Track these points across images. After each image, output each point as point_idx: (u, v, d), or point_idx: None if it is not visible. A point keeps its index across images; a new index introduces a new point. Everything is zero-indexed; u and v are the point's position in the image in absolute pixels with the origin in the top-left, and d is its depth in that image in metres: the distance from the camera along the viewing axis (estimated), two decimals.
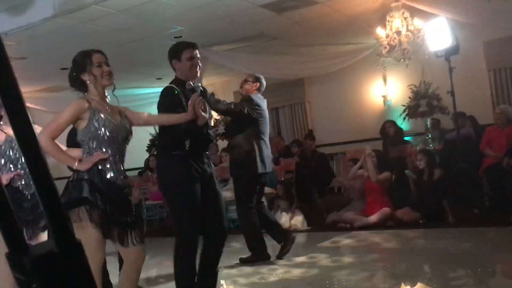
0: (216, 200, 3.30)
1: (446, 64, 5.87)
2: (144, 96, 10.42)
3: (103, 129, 2.59)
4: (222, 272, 4.32)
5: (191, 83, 3.32)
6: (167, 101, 3.31)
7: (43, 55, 7.35)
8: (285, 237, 4.79)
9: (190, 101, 2.92)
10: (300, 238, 5.78)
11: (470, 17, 6.59)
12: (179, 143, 3.18)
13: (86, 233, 2.43)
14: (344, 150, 9.00)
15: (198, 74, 3.43)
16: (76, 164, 2.55)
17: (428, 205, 5.71)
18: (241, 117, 4.58)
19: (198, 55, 3.40)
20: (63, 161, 2.59)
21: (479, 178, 6.13)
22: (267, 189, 7.25)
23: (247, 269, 4.61)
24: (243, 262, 4.77)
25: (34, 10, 5.51)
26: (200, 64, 3.42)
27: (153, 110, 10.19)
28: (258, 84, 4.98)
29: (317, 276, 4.09)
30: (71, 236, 0.59)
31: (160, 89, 9.30)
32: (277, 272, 4.40)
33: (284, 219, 6.29)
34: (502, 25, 7.09)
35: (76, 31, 6.27)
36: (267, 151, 4.80)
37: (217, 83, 10.39)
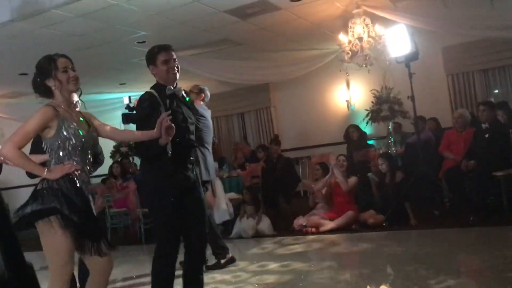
0: (197, 207, 3.20)
1: (406, 69, 6.02)
2: (107, 102, 10.24)
3: (72, 138, 2.54)
4: None
5: (171, 87, 3.16)
6: (141, 111, 3.15)
7: (1, 60, 7.12)
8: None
9: (159, 119, 2.74)
10: (267, 243, 5.80)
11: (428, 24, 6.77)
12: (158, 153, 3.00)
13: (58, 243, 2.39)
14: (309, 154, 9.10)
15: (177, 77, 3.21)
16: (45, 173, 2.48)
17: (390, 208, 5.82)
18: None
19: (174, 57, 3.22)
20: (32, 169, 2.52)
21: (439, 180, 6.29)
22: (233, 195, 7.26)
23: (217, 276, 4.58)
24: (210, 268, 4.75)
25: None
26: (178, 65, 3.23)
27: (117, 115, 10.04)
28: (203, 95, 5.17)
29: (288, 281, 4.10)
30: (23, 259, 0.55)
31: (123, 95, 9.22)
32: (248, 279, 4.38)
33: (250, 224, 6.29)
34: (458, 32, 7.33)
35: (35, 36, 6.10)
36: (211, 159, 4.99)
37: (182, 87, 10.30)
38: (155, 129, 2.73)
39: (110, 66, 8.27)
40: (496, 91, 8.67)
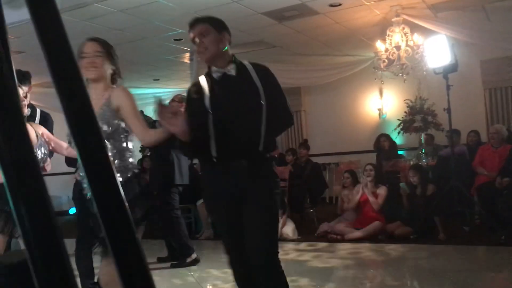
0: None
1: (442, 80, 5.90)
2: (141, 97, 10.38)
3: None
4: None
5: (214, 68, 2.53)
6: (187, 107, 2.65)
7: (40, 51, 7.30)
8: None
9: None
10: (290, 247, 5.77)
11: (469, 36, 6.65)
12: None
13: None
14: (337, 160, 9.03)
15: (209, 55, 2.51)
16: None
17: (419, 221, 5.71)
18: None
19: (201, 32, 2.55)
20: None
21: (471, 196, 6.15)
22: None
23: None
24: (161, 261, 5.14)
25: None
26: (206, 43, 2.50)
27: (149, 111, 10.19)
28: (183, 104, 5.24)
29: (306, 286, 4.08)
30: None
31: (156, 90, 9.40)
32: None
33: None
34: (499, 45, 7.16)
35: (75, 28, 6.23)
36: (185, 164, 5.23)
37: None
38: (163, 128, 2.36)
39: (146, 61, 8.39)
40: None
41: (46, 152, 3.04)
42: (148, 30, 6.62)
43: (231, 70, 2.50)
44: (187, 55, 8.23)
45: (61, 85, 0.49)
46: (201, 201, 6.93)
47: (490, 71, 8.36)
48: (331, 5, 6.04)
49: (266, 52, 8.18)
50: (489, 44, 7.24)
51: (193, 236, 6.56)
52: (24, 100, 2.99)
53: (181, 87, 10.62)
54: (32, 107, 3.76)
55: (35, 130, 2.98)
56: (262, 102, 2.39)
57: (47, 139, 3.04)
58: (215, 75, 2.51)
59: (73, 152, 2.95)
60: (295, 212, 6.98)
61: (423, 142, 7.98)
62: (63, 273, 0.41)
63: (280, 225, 6.29)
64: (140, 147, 10.45)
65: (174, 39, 7.18)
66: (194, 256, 5.10)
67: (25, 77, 3.53)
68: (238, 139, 2.38)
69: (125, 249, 0.45)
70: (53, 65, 0.49)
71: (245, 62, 2.56)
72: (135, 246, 0.45)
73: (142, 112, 3.44)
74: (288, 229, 6.28)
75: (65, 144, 3.19)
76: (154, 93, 10.58)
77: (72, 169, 3.44)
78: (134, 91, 10.10)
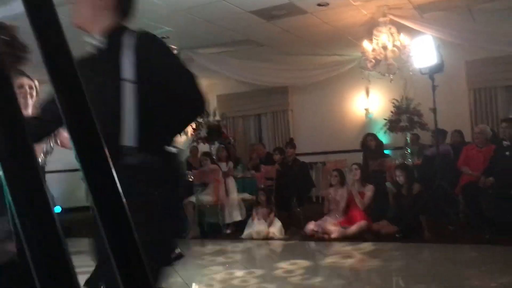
0: None
1: (428, 81, 5.96)
2: None
3: None
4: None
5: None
6: None
7: (30, 47, 7.20)
8: None
9: None
10: (277, 246, 5.79)
11: (455, 36, 6.72)
12: None
13: None
14: (324, 160, 9.06)
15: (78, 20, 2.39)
16: None
17: (405, 220, 5.77)
18: None
19: None
20: None
21: (456, 195, 6.23)
22: (246, 196, 7.27)
23: (220, 275, 4.57)
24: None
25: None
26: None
27: None
28: None
29: (294, 285, 4.09)
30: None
31: None
32: (253, 280, 4.38)
33: (262, 226, 6.28)
34: (484, 46, 7.26)
35: (63, 25, 6.16)
36: None
37: (201, 85, 10.35)
38: None
39: None
40: None
41: (52, 144, 2.97)
42: (134, 27, 6.56)
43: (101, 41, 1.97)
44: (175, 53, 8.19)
45: (57, 81, 0.48)
46: (187, 200, 6.91)
47: (475, 72, 8.47)
48: (319, 5, 6.06)
49: (254, 51, 8.18)
50: (474, 45, 7.33)
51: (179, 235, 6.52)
52: (32, 92, 2.86)
53: None
54: None
55: None
56: (125, 79, 1.84)
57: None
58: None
59: None
60: (282, 211, 6.99)
61: (408, 141, 8.06)
62: (65, 271, 0.41)
63: (267, 223, 6.30)
64: None
65: (161, 37, 7.12)
66: (177, 251, 5.05)
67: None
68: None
69: (124, 248, 0.44)
70: (49, 61, 0.48)
71: (129, 31, 2.01)
72: (134, 246, 0.44)
73: None
74: (275, 228, 6.29)
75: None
76: None
77: None
78: None
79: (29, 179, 0.43)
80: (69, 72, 0.49)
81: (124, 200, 0.46)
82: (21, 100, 2.70)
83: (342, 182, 6.49)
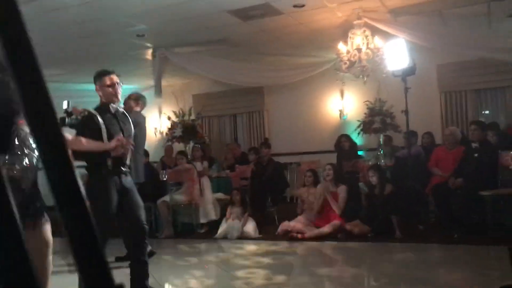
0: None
1: (401, 83, 6.07)
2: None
3: None
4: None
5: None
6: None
7: None
8: None
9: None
10: (251, 246, 5.80)
11: (427, 40, 6.86)
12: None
13: None
14: (298, 160, 9.12)
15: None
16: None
17: (377, 219, 5.86)
18: None
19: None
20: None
21: (426, 195, 6.35)
22: (221, 195, 7.26)
23: (193, 275, 4.56)
24: (119, 260, 4.96)
25: None
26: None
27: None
28: (141, 102, 5.58)
29: (264, 284, 4.11)
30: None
31: None
32: (225, 280, 4.38)
33: (236, 226, 6.28)
34: (455, 50, 7.43)
35: (33, 21, 6.03)
36: (141, 164, 5.47)
37: (176, 84, 10.30)
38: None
39: (106, 57, 8.21)
40: (487, 112, 8.78)
41: None
42: (110, 24, 6.48)
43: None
44: (150, 51, 8.12)
45: (21, 80, 0.48)
46: (161, 199, 6.86)
47: (446, 75, 8.66)
48: (295, 6, 6.10)
49: (230, 51, 8.17)
50: (445, 49, 7.50)
51: (154, 235, 6.48)
52: None
53: (143, 84, 10.46)
54: None
55: None
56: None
57: None
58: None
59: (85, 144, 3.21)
60: (256, 210, 7.01)
61: (381, 143, 8.18)
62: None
63: (241, 223, 6.32)
64: None
65: (137, 35, 7.06)
66: (148, 248, 5.02)
67: None
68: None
69: (85, 245, 0.45)
70: (14, 62, 0.48)
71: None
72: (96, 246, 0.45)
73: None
74: (249, 227, 6.31)
75: (69, 136, 3.21)
76: None
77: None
78: (93, 86, 9.88)
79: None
80: (34, 78, 0.49)
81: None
82: None
83: (316, 182, 6.55)
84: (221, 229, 6.41)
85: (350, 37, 6.76)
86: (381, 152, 7.90)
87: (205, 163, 7.57)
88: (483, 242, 5.23)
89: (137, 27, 6.72)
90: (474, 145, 6.16)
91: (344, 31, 6.94)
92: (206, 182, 7.13)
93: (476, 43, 6.98)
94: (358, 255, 5.31)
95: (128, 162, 3.65)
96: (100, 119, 3.48)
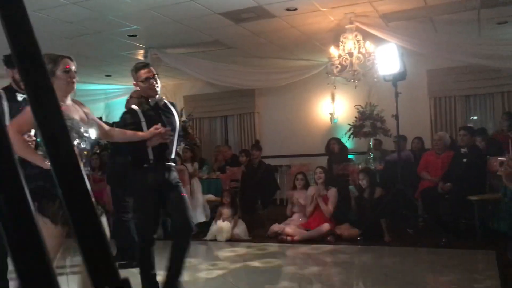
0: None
1: (391, 88, 6.11)
2: (91, 92, 10.12)
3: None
4: None
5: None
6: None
7: None
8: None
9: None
10: (241, 248, 5.80)
11: (417, 45, 6.92)
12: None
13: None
14: (289, 163, 9.15)
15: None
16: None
17: (366, 223, 5.89)
18: None
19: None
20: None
21: (415, 199, 6.40)
22: (211, 197, 7.25)
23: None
24: (122, 267, 4.89)
25: None
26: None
27: (99, 107, 10.02)
28: None
29: (254, 286, 4.11)
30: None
31: (108, 87, 9.38)
32: (213, 281, 4.38)
33: (226, 227, 6.28)
34: (445, 56, 7.51)
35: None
36: None
37: (168, 85, 10.27)
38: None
39: (98, 57, 8.19)
40: (475, 117, 8.88)
41: (97, 131, 2.86)
42: (101, 24, 6.46)
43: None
44: (142, 52, 8.10)
45: (28, 78, 0.49)
46: None
47: (435, 81, 8.75)
48: (288, 9, 6.13)
49: (222, 53, 8.18)
50: (435, 54, 7.58)
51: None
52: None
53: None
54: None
55: (82, 109, 2.83)
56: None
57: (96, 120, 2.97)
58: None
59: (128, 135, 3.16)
60: (246, 212, 7.01)
61: (371, 147, 8.24)
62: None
63: (231, 225, 6.31)
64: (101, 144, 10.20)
65: (128, 35, 7.05)
66: None
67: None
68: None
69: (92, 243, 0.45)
70: (20, 55, 0.48)
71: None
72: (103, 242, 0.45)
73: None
74: (239, 229, 6.31)
75: (106, 126, 3.15)
76: (105, 89, 10.32)
77: None
78: (84, 86, 9.84)
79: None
80: (39, 72, 0.50)
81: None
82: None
83: (307, 185, 6.57)
84: (211, 231, 6.40)
85: (341, 41, 6.81)
86: (371, 156, 7.95)
87: (196, 165, 7.56)
88: (471, 246, 5.28)
89: (129, 28, 6.71)
90: (463, 150, 6.22)
91: (336, 35, 6.98)
92: (196, 184, 7.11)
93: (466, 50, 7.07)
94: (347, 258, 5.33)
95: (172, 156, 3.52)
96: (140, 113, 3.43)
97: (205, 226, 6.62)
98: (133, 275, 4.65)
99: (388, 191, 6.15)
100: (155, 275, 3.55)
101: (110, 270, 0.45)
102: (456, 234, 5.61)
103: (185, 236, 3.47)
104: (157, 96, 3.52)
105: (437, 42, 7.17)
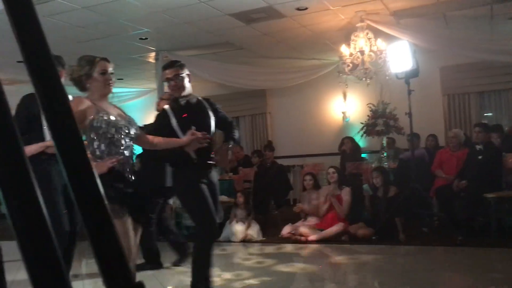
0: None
1: (403, 85, 6.06)
2: None
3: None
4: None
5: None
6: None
7: (0, 46, 7.07)
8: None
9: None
10: (255, 249, 5.79)
11: (429, 42, 6.86)
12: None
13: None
14: (302, 163, 9.12)
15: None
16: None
17: (381, 222, 5.84)
18: None
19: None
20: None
21: (430, 198, 6.34)
22: (224, 198, 7.24)
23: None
24: (177, 265, 4.98)
25: None
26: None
27: None
28: None
29: (270, 286, 4.10)
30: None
31: (120, 90, 9.37)
32: (230, 282, 4.37)
33: (240, 228, 6.28)
34: (457, 52, 7.42)
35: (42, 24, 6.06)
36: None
37: None
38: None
39: (110, 60, 8.24)
40: (490, 114, 8.77)
41: (137, 130, 2.85)
42: (113, 28, 6.51)
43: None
44: (153, 54, 8.15)
45: (37, 80, 0.49)
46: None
47: (448, 78, 8.66)
48: (298, 9, 6.12)
49: (233, 54, 8.19)
50: (448, 51, 7.50)
51: (158, 238, 6.47)
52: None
53: (145, 87, 10.49)
54: None
55: (118, 108, 2.88)
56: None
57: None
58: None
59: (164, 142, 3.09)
60: (259, 213, 7.00)
61: (384, 145, 8.17)
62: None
63: (245, 226, 6.31)
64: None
65: (139, 38, 7.09)
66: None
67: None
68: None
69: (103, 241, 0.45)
70: (30, 60, 0.48)
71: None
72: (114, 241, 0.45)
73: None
74: (253, 230, 6.30)
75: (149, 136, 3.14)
76: (117, 93, 10.39)
77: None
78: None
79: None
80: (48, 70, 0.50)
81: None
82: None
83: (316, 185, 6.54)
84: (224, 232, 6.40)
85: (352, 40, 6.77)
86: (385, 155, 7.89)
87: None
88: (488, 245, 5.21)
89: (140, 31, 6.75)
90: (478, 147, 6.14)
91: (346, 34, 6.95)
92: None
93: (479, 45, 6.98)
94: (362, 258, 5.29)
95: (214, 154, 3.46)
96: (171, 114, 3.38)
97: (219, 227, 6.61)
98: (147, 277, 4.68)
99: (402, 190, 6.10)
100: (210, 274, 3.48)
101: (123, 273, 0.45)
102: (471, 232, 5.54)
103: (211, 239, 3.45)
104: (187, 94, 3.44)
105: (450, 39, 7.09)
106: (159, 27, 6.65)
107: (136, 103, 10.52)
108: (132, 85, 10.25)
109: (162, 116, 3.46)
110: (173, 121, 3.36)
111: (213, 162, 3.46)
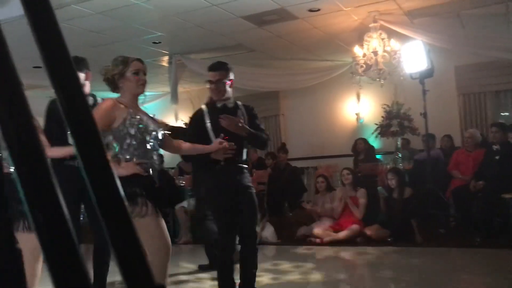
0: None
1: (418, 86, 6.01)
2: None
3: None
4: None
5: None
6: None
7: (17, 51, 7.16)
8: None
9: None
10: (270, 251, 5.78)
11: (444, 41, 6.79)
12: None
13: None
14: (316, 164, 9.08)
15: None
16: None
17: (396, 223, 5.79)
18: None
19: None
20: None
21: (447, 199, 6.27)
22: None
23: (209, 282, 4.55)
24: (202, 269, 4.96)
25: (11, 5, 5.37)
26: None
27: None
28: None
29: None
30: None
31: None
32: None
33: None
34: (473, 51, 7.33)
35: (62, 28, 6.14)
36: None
37: (193, 91, 10.35)
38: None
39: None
40: (507, 113, 8.64)
41: (163, 133, 2.86)
42: (127, 32, 6.56)
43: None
44: (166, 58, 8.19)
45: (57, 83, 0.49)
46: (179, 205, 6.89)
47: (464, 77, 8.54)
48: (310, 10, 6.10)
49: (245, 56, 8.20)
50: (463, 50, 7.41)
51: (172, 241, 6.50)
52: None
53: (159, 91, 10.54)
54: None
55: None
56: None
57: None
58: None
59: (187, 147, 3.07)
60: (273, 215, 6.99)
61: (399, 146, 8.10)
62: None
63: (260, 228, 6.30)
64: None
65: (153, 42, 7.14)
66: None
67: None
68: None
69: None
70: (50, 64, 0.49)
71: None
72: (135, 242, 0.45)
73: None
74: (268, 232, 6.29)
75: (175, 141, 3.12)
76: None
77: None
78: (111, 94, 9.99)
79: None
80: (69, 73, 0.50)
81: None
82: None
83: (329, 187, 6.51)
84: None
85: (366, 40, 6.73)
86: (399, 156, 7.82)
87: None
88: (506, 246, 5.13)
89: (153, 35, 6.79)
90: (494, 147, 6.06)
91: (359, 35, 6.91)
92: None
93: (494, 44, 6.89)
94: (378, 259, 5.25)
95: (245, 156, 3.39)
96: (206, 115, 3.38)
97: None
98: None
99: (418, 191, 6.04)
100: (235, 284, 3.42)
101: (144, 275, 0.45)
102: (489, 233, 5.47)
103: (252, 244, 3.38)
104: (226, 98, 3.41)
105: (465, 38, 7.01)
106: (172, 31, 6.69)
107: (150, 106, 10.58)
108: (146, 89, 10.30)
109: (198, 115, 3.45)
110: (208, 122, 3.35)
111: (244, 166, 3.39)
